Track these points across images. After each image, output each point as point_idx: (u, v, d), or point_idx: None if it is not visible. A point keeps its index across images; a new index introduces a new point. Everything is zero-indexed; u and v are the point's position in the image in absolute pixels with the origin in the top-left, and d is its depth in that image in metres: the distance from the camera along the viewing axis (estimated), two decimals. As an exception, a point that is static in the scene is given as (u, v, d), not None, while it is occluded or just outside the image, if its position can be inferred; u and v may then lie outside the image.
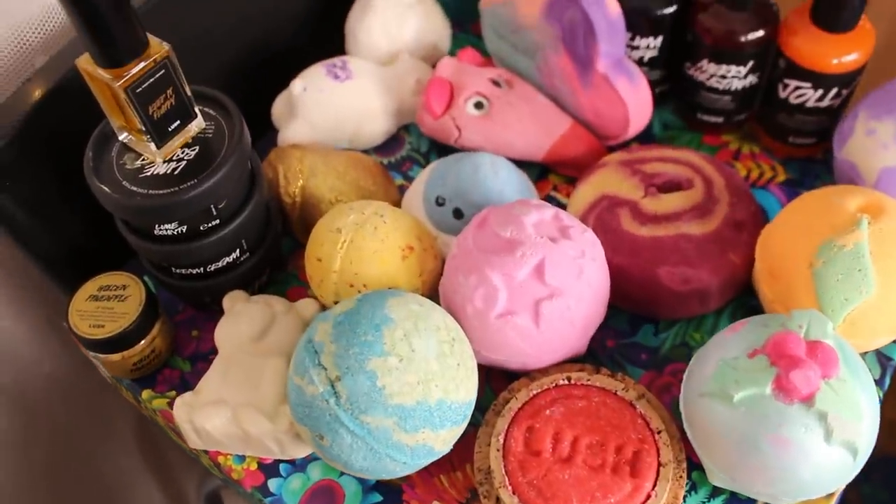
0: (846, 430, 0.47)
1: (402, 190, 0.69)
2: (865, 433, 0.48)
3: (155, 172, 0.54)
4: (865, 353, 0.58)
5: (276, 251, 0.64)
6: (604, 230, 0.60)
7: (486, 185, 0.61)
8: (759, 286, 0.58)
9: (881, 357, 0.58)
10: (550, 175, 0.70)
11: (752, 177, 0.68)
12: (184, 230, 0.55)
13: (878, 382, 0.58)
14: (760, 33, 0.63)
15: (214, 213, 0.55)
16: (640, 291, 0.59)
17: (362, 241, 0.56)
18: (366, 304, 0.51)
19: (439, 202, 0.62)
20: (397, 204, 0.66)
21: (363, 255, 0.56)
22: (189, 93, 0.53)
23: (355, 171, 0.65)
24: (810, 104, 0.64)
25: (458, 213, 0.62)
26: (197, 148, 0.55)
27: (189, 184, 0.52)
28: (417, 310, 0.51)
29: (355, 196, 0.64)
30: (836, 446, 0.47)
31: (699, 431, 0.51)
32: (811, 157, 0.69)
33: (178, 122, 0.54)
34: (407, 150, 0.72)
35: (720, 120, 0.69)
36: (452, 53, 0.78)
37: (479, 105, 0.67)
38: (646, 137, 0.71)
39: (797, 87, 0.64)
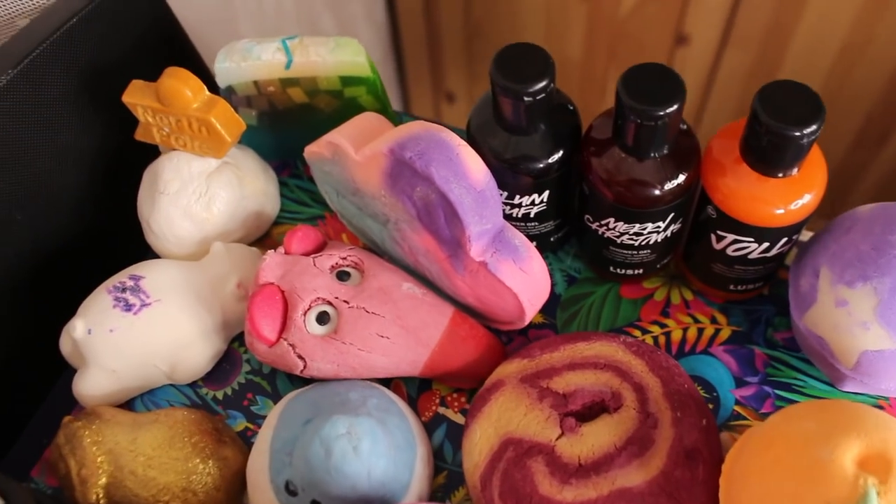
0: None
1: (246, 437, 0.52)
2: None
3: None
4: None
5: None
6: (516, 499, 0.45)
7: (346, 471, 0.44)
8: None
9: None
10: (435, 385, 0.53)
11: (689, 339, 0.53)
12: None
13: None
14: (680, 180, 0.47)
15: None
16: (576, 577, 0.44)
17: None
18: None
19: (290, 489, 0.46)
20: (241, 471, 0.49)
21: None
22: None
23: (173, 450, 0.48)
24: (753, 256, 0.49)
25: (318, 507, 0.46)
26: None
27: None
28: None
29: (179, 488, 0.47)
30: None
31: None
32: (760, 295, 0.54)
33: None
34: (245, 373, 0.54)
35: (640, 272, 0.53)
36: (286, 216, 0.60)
37: (323, 317, 0.50)
38: (548, 300, 0.54)
39: (735, 241, 0.48)
